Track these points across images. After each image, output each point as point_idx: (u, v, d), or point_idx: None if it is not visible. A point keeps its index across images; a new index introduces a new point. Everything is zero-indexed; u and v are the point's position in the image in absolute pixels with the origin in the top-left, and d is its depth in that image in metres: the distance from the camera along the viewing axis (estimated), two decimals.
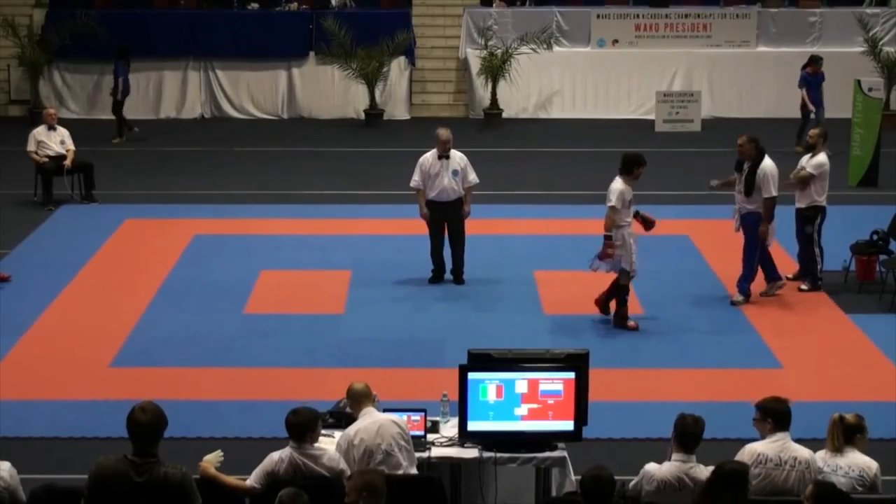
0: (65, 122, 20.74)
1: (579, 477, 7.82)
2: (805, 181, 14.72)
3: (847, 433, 8.20)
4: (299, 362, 12.80)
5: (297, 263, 16.15)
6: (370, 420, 8.42)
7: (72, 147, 19.25)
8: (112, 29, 25.87)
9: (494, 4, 27.36)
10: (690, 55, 26.94)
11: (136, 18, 26.96)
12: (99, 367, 12.67)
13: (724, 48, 27.00)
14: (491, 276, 15.50)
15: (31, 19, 27.00)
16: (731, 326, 13.87)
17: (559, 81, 26.99)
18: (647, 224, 13.59)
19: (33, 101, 26.15)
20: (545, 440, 8.87)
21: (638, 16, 27.17)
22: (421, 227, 15.31)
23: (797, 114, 23.26)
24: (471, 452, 8.85)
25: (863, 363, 12.90)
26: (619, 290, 13.63)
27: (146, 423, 6.70)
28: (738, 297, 14.45)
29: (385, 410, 8.63)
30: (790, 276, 15.06)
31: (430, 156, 14.95)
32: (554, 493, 8.95)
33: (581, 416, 8.83)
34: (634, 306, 13.98)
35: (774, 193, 14.07)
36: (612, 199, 13.27)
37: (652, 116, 25.71)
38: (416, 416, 8.95)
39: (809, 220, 14.77)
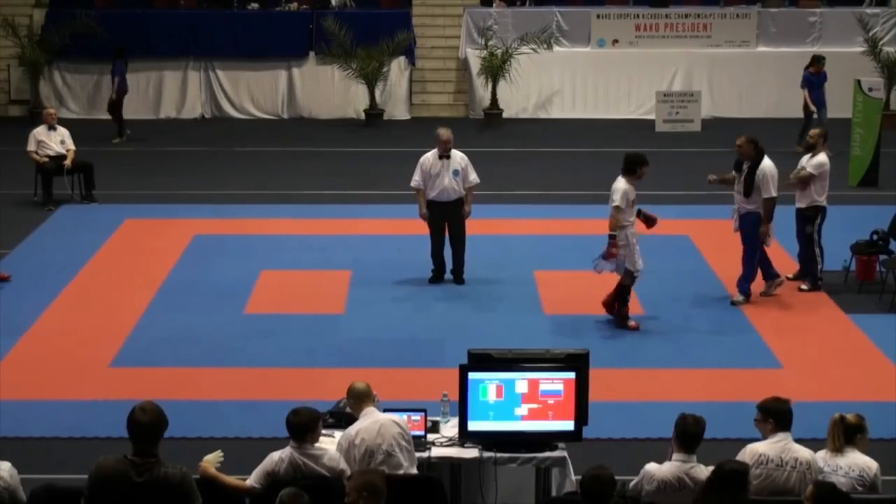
0: (65, 122, 20.74)
1: (579, 477, 7.83)
2: (805, 181, 14.72)
3: (847, 433, 8.19)
4: (299, 362, 12.80)
5: (297, 263, 16.15)
6: (371, 420, 8.41)
7: (72, 147, 19.25)
8: (112, 29, 25.88)
9: (494, 4, 27.36)
10: (690, 55, 26.93)
11: (136, 18, 26.96)
12: (99, 367, 12.67)
13: (724, 48, 27.00)
14: (491, 276, 15.50)
15: (31, 19, 27.00)
16: (731, 326, 13.87)
17: (559, 81, 26.99)
18: (649, 222, 13.59)
19: (33, 101, 26.15)
20: (545, 440, 8.87)
21: (638, 16, 27.17)
22: (421, 227, 15.31)
23: (797, 114, 23.25)
24: (471, 452, 8.85)
25: (863, 363, 12.90)
26: (620, 290, 13.63)
27: (146, 424, 6.70)
28: (739, 297, 14.46)
29: (385, 410, 8.62)
30: (790, 275, 15.06)
31: (430, 156, 14.95)
32: (554, 493, 8.94)
33: (581, 416, 8.83)
34: (635, 306, 13.98)
35: (774, 194, 14.07)
36: (617, 199, 13.26)
37: (652, 116, 25.71)
38: (417, 416, 8.95)
39: (809, 219, 14.77)
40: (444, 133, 14.96)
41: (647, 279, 13.99)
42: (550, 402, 8.73)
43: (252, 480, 8.12)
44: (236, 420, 11.30)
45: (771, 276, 14.64)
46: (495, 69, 25.69)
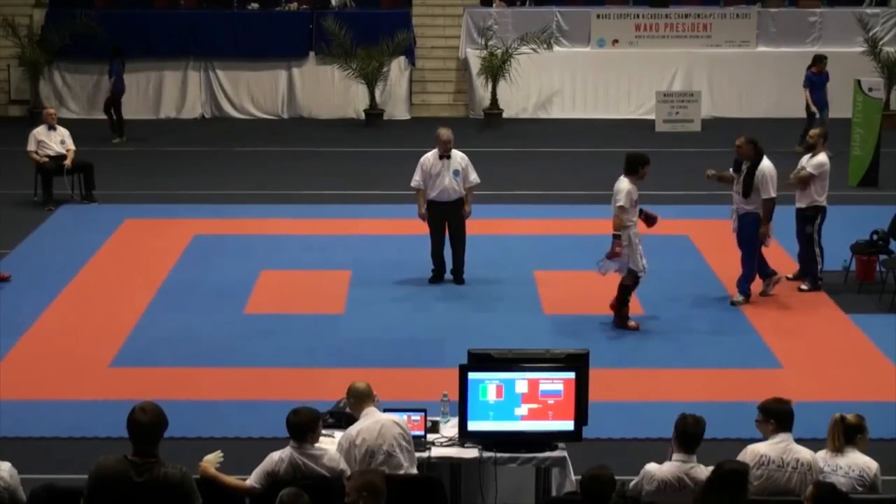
0: (65, 122, 20.74)
1: (579, 477, 7.83)
2: (805, 181, 14.72)
3: (848, 433, 8.20)
4: (299, 362, 12.80)
5: (297, 263, 16.14)
6: (372, 420, 8.41)
7: (72, 147, 19.25)
8: (112, 29, 25.88)
9: (494, 4, 27.35)
10: (690, 55, 26.93)
11: (135, 18, 26.96)
12: (99, 367, 12.67)
13: (724, 48, 27.00)
14: (491, 276, 15.50)
15: (31, 19, 27.00)
16: (731, 326, 13.87)
17: (559, 81, 26.98)
18: (650, 221, 13.58)
19: (33, 101, 26.15)
20: (545, 440, 8.87)
21: (638, 16, 27.17)
22: (421, 227, 15.31)
23: (797, 114, 23.25)
24: (471, 452, 8.85)
25: (863, 363, 12.89)
26: (622, 290, 13.63)
27: (146, 424, 6.70)
28: (738, 298, 14.45)
29: (385, 410, 8.62)
30: (790, 275, 15.06)
31: (430, 156, 14.95)
32: (554, 493, 8.94)
33: (581, 416, 8.83)
34: (635, 306, 13.97)
35: (773, 195, 14.06)
36: (621, 199, 13.25)
37: (652, 116, 25.71)
38: (417, 416, 8.95)
39: (810, 219, 14.77)
40: (445, 133, 14.96)
41: (647, 279, 13.98)
42: (550, 402, 8.73)
43: (252, 480, 8.11)
44: (236, 420, 11.30)
45: (767, 274, 14.64)
46: (495, 69, 25.69)
